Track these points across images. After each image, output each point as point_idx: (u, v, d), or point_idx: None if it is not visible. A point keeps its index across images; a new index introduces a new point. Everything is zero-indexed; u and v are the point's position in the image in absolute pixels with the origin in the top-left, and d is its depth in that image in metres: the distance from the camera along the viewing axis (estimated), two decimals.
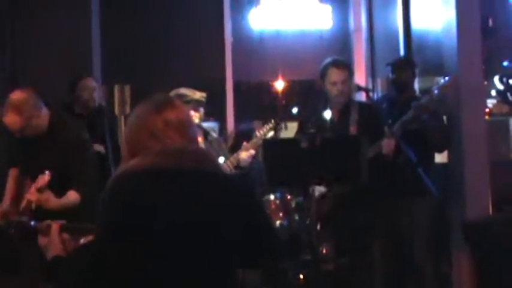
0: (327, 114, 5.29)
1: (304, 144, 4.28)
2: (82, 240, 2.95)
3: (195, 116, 5.01)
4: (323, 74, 5.33)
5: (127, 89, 9.08)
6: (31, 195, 4.31)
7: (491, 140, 5.93)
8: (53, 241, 2.69)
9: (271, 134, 5.09)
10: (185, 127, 2.52)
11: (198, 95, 5.09)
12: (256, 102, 8.90)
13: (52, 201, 4.29)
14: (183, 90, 5.17)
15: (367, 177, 4.38)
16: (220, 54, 8.32)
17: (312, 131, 4.52)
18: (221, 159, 4.95)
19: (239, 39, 8.47)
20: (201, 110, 5.11)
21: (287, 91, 8.46)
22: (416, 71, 5.90)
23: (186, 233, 2.34)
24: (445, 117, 5.79)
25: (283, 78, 8.42)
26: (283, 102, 8.57)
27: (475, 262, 5.20)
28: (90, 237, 2.63)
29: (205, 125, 8.71)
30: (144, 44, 8.22)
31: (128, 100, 8.56)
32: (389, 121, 5.26)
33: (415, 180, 4.94)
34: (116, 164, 5.19)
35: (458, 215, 5.54)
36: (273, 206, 6.56)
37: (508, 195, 5.71)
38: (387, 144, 4.99)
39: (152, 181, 2.37)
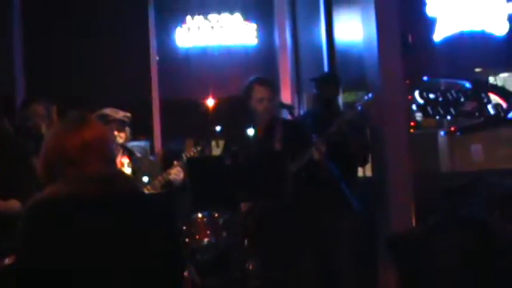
0: (251, 131, 5.33)
1: (228, 162, 4.29)
2: (6, 261, 2.91)
3: (120, 137, 4.98)
4: (248, 91, 5.35)
5: (54, 109, 9.00)
6: None
7: (419, 153, 6.06)
8: None
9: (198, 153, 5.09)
10: (103, 147, 2.47)
11: (121, 114, 5.06)
12: (184, 121, 8.86)
13: None
14: (106, 111, 5.14)
15: (291, 192, 4.42)
16: (146, 73, 8.28)
17: (235, 148, 4.55)
18: (145, 179, 4.92)
19: (165, 57, 8.44)
20: (127, 130, 5.08)
21: (214, 108, 8.46)
22: (341, 86, 6.00)
23: (108, 261, 2.31)
24: (368, 132, 5.90)
25: (210, 95, 8.41)
26: (211, 120, 8.57)
27: (399, 274, 5.28)
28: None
29: (137, 144, 8.75)
30: (69, 64, 8.12)
31: (55, 120, 8.48)
32: (314, 136, 5.33)
33: (338, 194, 5.00)
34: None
35: (383, 228, 5.64)
36: (201, 224, 6.56)
37: (436, 207, 5.83)
38: (318, 148, 5.03)
39: (70, 210, 2.31)
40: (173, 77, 8.45)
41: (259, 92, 5.27)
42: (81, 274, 2.27)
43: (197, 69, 8.50)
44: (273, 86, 5.39)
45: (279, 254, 5.11)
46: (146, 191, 4.90)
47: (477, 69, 6.54)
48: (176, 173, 4.96)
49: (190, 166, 4.54)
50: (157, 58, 8.37)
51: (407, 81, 5.83)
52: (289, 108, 5.37)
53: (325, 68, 7.40)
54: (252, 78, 5.41)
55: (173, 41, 8.55)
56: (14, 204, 4.32)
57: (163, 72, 8.34)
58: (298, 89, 8.33)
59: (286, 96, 8.35)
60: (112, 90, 8.21)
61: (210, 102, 8.63)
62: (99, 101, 8.20)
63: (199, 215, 6.45)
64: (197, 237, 6.50)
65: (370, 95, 5.41)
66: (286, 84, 8.39)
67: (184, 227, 6.54)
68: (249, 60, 8.57)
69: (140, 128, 8.66)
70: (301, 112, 8.08)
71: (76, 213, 2.32)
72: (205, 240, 6.46)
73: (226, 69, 8.42)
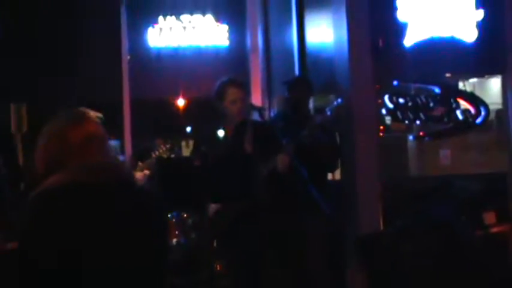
0: (221, 132, 5.33)
1: (197, 163, 4.30)
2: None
3: None
4: (220, 92, 5.32)
5: (23, 107, 8.94)
6: None
7: (388, 157, 6.11)
8: None
9: (167, 155, 5.07)
10: (103, 140, 2.55)
11: (92, 115, 5.02)
12: (154, 121, 8.87)
13: None
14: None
15: (260, 194, 4.44)
16: (117, 73, 8.24)
17: (204, 149, 4.55)
18: None
19: (136, 57, 8.42)
20: None
21: (185, 109, 8.46)
22: (312, 90, 6.02)
23: (111, 245, 2.35)
24: (338, 136, 5.95)
25: (181, 96, 8.42)
26: (181, 120, 8.58)
27: (367, 276, 5.33)
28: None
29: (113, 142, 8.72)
30: (39, 62, 8.05)
31: (25, 119, 8.41)
32: (284, 139, 5.35)
33: (307, 197, 5.04)
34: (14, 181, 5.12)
35: (352, 231, 5.68)
36: (170, 225, 6.57)
37: (404, 210, 5.88)
38: (282, 160, 5.05)
39: (74, 198, 2.35)
40: (144, 76, 8.44)
41: (233, 94, 5.24)
42: (84, 261, 2.32)
43: (168, 69, 8.50)
44: (245, 87, 5.40)
45: (248, 255, 5.11)
46: None
47: (447, 75, 6.60)
48: (141, 175, 4.92)
49: (158, 165, 4.53)
50: (129, 58, 8.34)
51: (377, 86, 5.86)
52: (260, 109, 5.39)
53: (296, 71, 7.42)
54: (224, 79, 5.38)
55: (145, 41, 8.54)
56: None
57: (134, 72, 8.32)
58: (268, 91, 8.34)
59: (256, 98, 8.36)
60: (82, 89, 8.16)
61: (181, 102, 8.62)
62: (69, 100, 8.20)
63: (168, 215, 6.48)
64: None
65: (339, 99, 5.45)
66: (257, 86, 8.40)
67: None
68: (220, 61, 8.58)
69: (110, 128, 8.62)
70: (272, 114, 8.10)
71: (80, 201, 2.36)
72: (174, 240, 6.50)
73: (197, 69, 8.42)
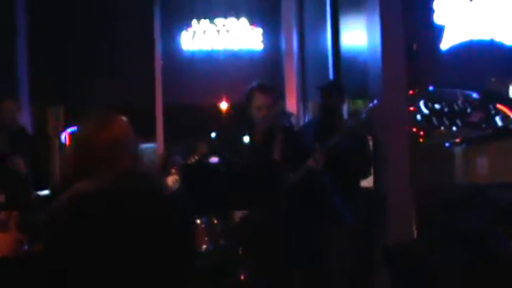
0: (247, 138, 5.21)
1: (223, 170, 4.19)
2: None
3: None
4: (248, 98, 5.22)
5: (60, 110, 8.98)
6: None
7: (426, 164, 5.94)
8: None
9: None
10: (131, 143, 2.52)
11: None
12: (186, 124, 8.80)
13: None
14: None
15: (285, 203, 4.31)
16: (150, 76, 8.20)
17: (230, 156, 4.44)
18: None
19: (170, 61, 8.35)
20: None
21: (218, 113, 8.37)
22: (345, 96, 5.88)
23: (135, 251, 2.37)
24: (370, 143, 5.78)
25: (215, 100, 8.32)
26: (214, 124, 8.50)
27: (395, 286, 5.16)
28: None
29: (147, 146, 8.70)
30: (74, 66, 8.07)
31: (61, 121, 8.44)
32: (316, 145, 5.22)
33: (330, 208, 4.89)
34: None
35: (383, 241, 5.51)
36: (198, 231, 6.46)
37: (436, 220, 5.70)
38: (315, 160, 4.91)
39: (102, 204, 2.37)
40: (177, 80, 8.37)
41: (259, 100, 5.13)
42: (109, 265, 2.35)
43: (202, 73, 8.42)
44: (273, 94, 5.24)
45: (274, 265, 4.99)
46: None
47: (493, 79, 6.38)
48: (173, 181, 4.85)
49: (184, 173, 4.45)
50: (162, 62, 8.28)
51: (412, 91, 5.69)
52: (288, 115, 5.27)
53: (331, 75, 7.27)
54: (253, 85, 5.28)
55: (178, 45, 8.46)
56: None
57: (167, 76, 8.25)
58: (303, 96, 8.20)
59: (291, 103, 8.26)
60: (116, 93, 8.15)
61: (213, 106, 8.54)
62: (102, 103, 8.18)
63: (198, 221, 6.36)
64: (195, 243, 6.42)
65: (371, 104, 5.30)
66: (291, 91, 8.29)
67: None
68: (254, 65, 8.48)
69: (144, 132, 8.60)
70: (306, 119, 7.98)
71: (106, 208, 2.38)
72: (203, 246, 6.38)
73: (231, 73, 8.33)
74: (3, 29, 7.48)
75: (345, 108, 6.60)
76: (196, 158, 5.02)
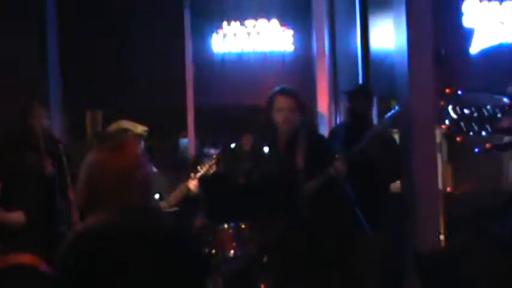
0: (265, 148, 5.20)
1: (241, 181, 4.19)
2: None
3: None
4: (270, 102, 5.20)
5: (99, 114, 9.06)
6: None
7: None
8: None
9: (213, 169, 4.97)
10: (143, 175, 2.46)
11: (140, 129, 5.01)
12: (218, 127, 8.82)
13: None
14: (125, 124, 5.11)
15: (306, 212, 4.29)
16: (181, 79, 8.21)
17: (248, 166, 4.45)
18: (156, 196, 4.83)
19: (200, 63, 8.35)
20: (142, 143, 5.01)
21: (249, 116, 8.33)
22: (373, 99, 5.84)
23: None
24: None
25: (245, 102, 8.28)
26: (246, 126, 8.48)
27: None
28: None
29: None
30: (105, 70, 8.12)
31: (100, 124, 8.52)
32: (344, 150, 5.19)
33: (352, 217, 4.85)
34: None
35: (411, 246, 5.45)
36: (226, 236, 6.45)
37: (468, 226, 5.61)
38: (339, 166, 4.89)
39: (113, 242, 2.33)
40: (208, 83, 8.36)
41: (280, 102, 5.11)
42: None
43: (232, 75, 8.40)
44: (295, 97, 5.21)
45: (298, 273, 4.97)
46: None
47: None
48: (195, 186, 4.85)
49: (203, 184, 4.45)
50: (193, 64, 8.28)
51: (440, 95, 5.60)
52: (310, 123, 5.25)
53: (360, 78, 7.21)
54: (275, 88, 5.27)
55: (209, 47, 8.46)
56: (17, 214, 4.33)
57: (198, 78, 8.25)
58: (335, 98, 8.14)
59: (323, 105, 8.20)
60: (147, 95, 8.18)
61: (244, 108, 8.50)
62: (133, 106, 8.24)
63: (226, 226, 6.36)
64: (223, 248, 6.42)
65: (397, 107, 5.25)
66: (323, 93, 8.23)
67: (210, 238, 6.47)
68: (285, 67, 8.44)
69: (173, 132, 8.65)
70: (338, 121, 7.92)
71: (118, 245, 2.35)
72: (231, 252, 6.37)
73: (262, 76, 8.29)
74: (33, 31, 7.55)
75: (373, 112, 6.56)
76: (214, 168, 4.98)
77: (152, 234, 2.39)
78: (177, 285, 2.39)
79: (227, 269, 6.31)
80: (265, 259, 5.09)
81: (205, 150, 8.22)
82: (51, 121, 7.56)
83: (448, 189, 6.59)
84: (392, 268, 5.52)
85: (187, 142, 8.49)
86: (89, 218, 2.39)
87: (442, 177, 6.55)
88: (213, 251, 6.42)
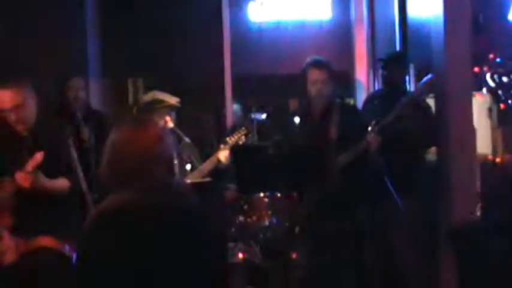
0: (296, 119, 5.20)
1: (271, 151, 4.18)
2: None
3: (170, 121, 4.93)
4: (304, 74, 5.23)
5: (140, 82, 9.13)
6: (23, 173, 4.07)
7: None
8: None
9: (242, 141, 4.96)
10: (165, 153, 2.49)
11: (174, 100, 5.02)
12: (255, 96, 8.82)
13: (44, 179, 4.14)
14: (159, 95, 5.13)
15: (337, 183, 4.27)
16: (218, 47, 8.18)
17: (279, 137, 4.45)
18: (188, 167, 4.85)
19: (238, 32, 8.31)
20: (173, 114, 5.03)
21: (287, 84, 8.28)
22: (409, 66, 5.77)
23: (174, 269, 2.35)
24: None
25: (283, 71, 8.22)
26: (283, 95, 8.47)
27: (459, 269, 5.04)
28: None
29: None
30: (142, 38, 8.13)
31: (141, 92, 8.59)
32: (379, 118, 5.15)
33: (383, 187, 4.81)
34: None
35: (445, 217, 5.38)
36: (261, 205, 6.47)
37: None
38: (372, 141, 4.87)
39: (135, 220, 2.35)
40: (245, 52, 8.32)
41: (314, 74, 5.15)
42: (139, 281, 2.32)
43: (270, 44, 8.34)
44: (328, 69, 5.22)
45: (331, 245, 4.98)
46: (192, 177, 4.83)
47: None
48: (225, 157, 4.85)
49: (234, 154, 4.47)
50: (230, 32, 8.24)
51: (478, 64, 5.49)
52: (341, 96, 5.22)
53: (397, 45, 7.10)
54: (308, 60, 5.28)
55: (246, 16, 8.40)
56: (61, 181, 4.36)
57: (235, 48, 8.21)
58: (374, 65, 8.04)
59: (361, 73, 8.13)
60: (184, 64, 8.19)
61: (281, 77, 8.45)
62: (170, 75, 8.28)
63: (261, 194, 6.38)
64: (259, 217, 6.44)
65: (429, 75, 5.17)
66: (361, 61, 8.14)
67: (245, 206, 6.49)
68: (323, 35, 8.35)
69: (210, 102, 8.66)
70: (376, 89, 7.84)
71: (141, 224, 2.36)
72: (266, 221, 6.39)
73: (300, 44, 8.21)
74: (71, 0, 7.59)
75: (410, 79, 6.48)
76: (243, 139, 4.96)
77: (173, 214, 2.41)
78: (196, 263, 2.41)
79: (263, 237, 6.35)
80: (297, 230, 5.11)
81: (253, 115, 8.24)
82: (91, 90, 7.73)
83: (490, 157, 6.49)
84: (425, 239, 5.47)
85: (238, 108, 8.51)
86: (112, 197, 2.41)
87: (492, 143, 6.49)
88: (248, 219, 6.47)
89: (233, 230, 6.55)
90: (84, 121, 5.76)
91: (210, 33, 8.20)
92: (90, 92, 7.67)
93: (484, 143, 6.44)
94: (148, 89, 8.98)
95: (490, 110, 6.34)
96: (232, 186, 5.27)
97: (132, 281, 2.31)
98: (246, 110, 8.69)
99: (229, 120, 8.25)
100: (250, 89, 8.62)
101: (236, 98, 8.34)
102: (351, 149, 4.93)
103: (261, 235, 6.36)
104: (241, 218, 6.53)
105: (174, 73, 8.35)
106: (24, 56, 6.88)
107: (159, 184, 2.43)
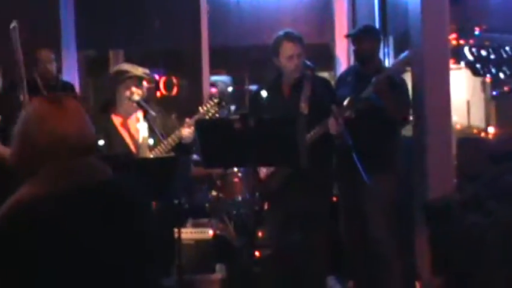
0: (264, 93, 5.06)
1: (237, 126, 4.03)
2: None
3: (137, 93, 4.77)
4: (276, 48, 5.07)
5: (121, 54, 8.95)
6: None
7: None
8: None
9: (214, 110, 4.80)
10: (83, 138, 2.15)
11: (140, 71, 4.85)
12: (232, 70, 8.69)
13: None
14: (125, 66, 4.99)
15: (306, 160, 4.15)
16: (195, 19, 7.99)
17: (245, 111, 4.32)
18: (151, 141, 4.69)
19: (215, 3, 8.11)
20: (144, 86, 4.86)
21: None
22: (379, 40, 5.59)
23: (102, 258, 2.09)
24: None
25: (261, 43, 8.04)
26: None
27: (432, 244, 4.96)
28: None
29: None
30: (119, 9, 7.93)
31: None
32: (353, 95, 5.01)
33: (350, 164, 4.69)
34: None
35: (421, 194, 5.28)
36: (236, 179, 6.38)
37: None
38: (332, 124, 4.74)
39: (53, 213, 2.04)
40: (223, 23, 8.14)
41: (289, 49, 4.99)
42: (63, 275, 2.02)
43: (248, 16, 8.14)
44: (302, 42, 5.07)
45: (300, 221, 4.88)
46: (155, 153, 4.68)
47: None
48: (190, 133, 4.69)
49: (199, 128, 4.31)
50: (207, 5, 8.05)
51: (455, 35, 5.35)
52: (311, 68, 5.07)
53: (376, 18, 6.94)
54: (279, 33, 5.12)
55: None
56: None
57: (213, 19, 8.03)
58: None
59: (341, 45, 7.94)
60: (161, 35, 8.01)
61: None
62: (148, 46, 8.11)
63: (235, 169, 6.27)
64: (232, 193, 6.35)
65: (406, 52, 5.04)
66: (341, 33, 7.96)
67: (218, 182, 6.39)
68: (302, 6, 8.16)
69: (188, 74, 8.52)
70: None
71: (60, 215, 2.05)
72: (239, 196, 6.30)
73: (277, 16, 8.03)
74: None
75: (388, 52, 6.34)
76: (212, 106, 4.80)
77: (94, 202, 2.11)
78: (128, 254, 2.16)
79: (237, 213, 6.25)
80: (266, 206, 5.00)
81: (248, 87, 8.14)
82: (65, 62, 7.55)
83: (475, 131, 6.40)
84: (402, 215, 5.37)
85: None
86: (21, 190, 2.09)
87: (485, 116, 6.38)
88: (221, 195, 6.37)
89: (206, 205, 6.47)
90: (51, 93, 5.58)
91: (187, 3, 8.01)
92: (66, 65, 7.52)
93: (477, 116, 6.35)
94: (129, 60, 8.87)
95: (483, 83, 6.23)
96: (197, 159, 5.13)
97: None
98: (238, 82, 8.58)
99: (206, 91, 8.07)
100: (230, 60, 8.49)
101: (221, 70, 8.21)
102: (316, 128, 4.81)
103: (234, 211, 6.28)
104: (214, 193, 6.44)
105: (151, 45, 8.20)
106: None
107: (80, 166, 2.13)
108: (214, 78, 8.54)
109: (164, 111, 5.15)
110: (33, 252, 1.99)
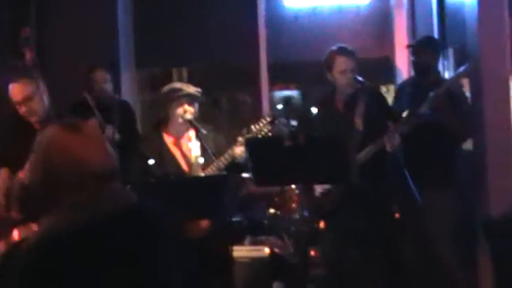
0: (314, 109, 5.01)
1: (287, 143, 3.99)
2: None
3: (190, 112, 4.76)
4: (328, 62, 5.02)
5: (184, 71, 9.04)
6: None
7: None
8: None
9: (267, 128, 4.75)
10: (101, 165, 2.08)
11: (192, 89, 4.85)
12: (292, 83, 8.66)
13: None
14: (177, 85, 5.01)
15: (357, 177, 4.07)
16: (253, 34, 7.97)
17: (295, 128, 4.28)
18: (201, 160, 4.66)
19: (273, 18, 8.08)
20: (196, 105, 4.85)
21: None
22: (439, 51, 5.48)
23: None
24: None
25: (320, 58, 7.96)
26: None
27: (494, 263, 4.80)
28: None
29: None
30: (176, 26, 7.98)
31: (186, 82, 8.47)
32: (411, 108, 4.92)
33: (400, 184, 4.59)
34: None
35: (482, 211, 5.14)
36: (293, 196, 6.31)
37: None
38: (388, 141, 4.65)
39: (76, 246, 1.99)
40: (281, 38, 8.11)
41: (342, 63, 4.95)
42: None
43: (306, 30, 8.09)
44: (355, 56, 5.01)
45: (356, 241, 4.79)
46: (207, 172, 4.65)
47: None
48: (242, 151, 4.64)
49: (249, 147, 4.28)
50: (265, 19, 8.03)
51: None
52: (362, 83, 4.99)
53: (435, 30, 6.81)
54: (332, 48, 5.08)
55: (281, 1, 8.18)
56: None
57: (270, 34, 8.00)
58: None
59: (402, 60, 7.82)
60: (218, 52, 8.02)
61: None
62: (205, 62, 8.14)
63: (293, 187, 6.20)
64: (289, 210, 6.28)
65: (466, 65, 4.91)
66: (401, 46, 7.84)
67: (276, 199, 6.33)
68: (361, 20, 8.05)
69: (246, 90, 8.51)
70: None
71: (84, 247, 2.01)
72: (297, 214, 6.21)
73: (336, 30, 7.95)
74: None
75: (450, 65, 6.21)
76: (265, 125, 4.74)
77: (118, 231, 2.06)
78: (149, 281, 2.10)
79: (295, 230, 6.18)
80: (321, 225, 4.93)
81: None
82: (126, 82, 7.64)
83: None
84: (464, 233, 5.22)
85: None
86: (42, 223, 2.07)
87: None
88: (279, 212, 6.31)
89: (265, 222, 6.42)
90: (107, 113, 5.60)
91: (244, 19, 8.00)
92: (125, 84, 7.60)
93: None
94: (193, 78, 8.94)
95: None
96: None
97: None
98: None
99: (265, 108, 8.05)
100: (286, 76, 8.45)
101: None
102: (369, 147, 4.73)
103: (293, 228, 6.21)
104: (271, 211, 6.39)
105: (206, 60, 8.20)
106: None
107: (104, 196, 2.06)
108: (284, 93, 8.55)
109: (216, 129, 5.14)
110: (58, 285, 1.97)
